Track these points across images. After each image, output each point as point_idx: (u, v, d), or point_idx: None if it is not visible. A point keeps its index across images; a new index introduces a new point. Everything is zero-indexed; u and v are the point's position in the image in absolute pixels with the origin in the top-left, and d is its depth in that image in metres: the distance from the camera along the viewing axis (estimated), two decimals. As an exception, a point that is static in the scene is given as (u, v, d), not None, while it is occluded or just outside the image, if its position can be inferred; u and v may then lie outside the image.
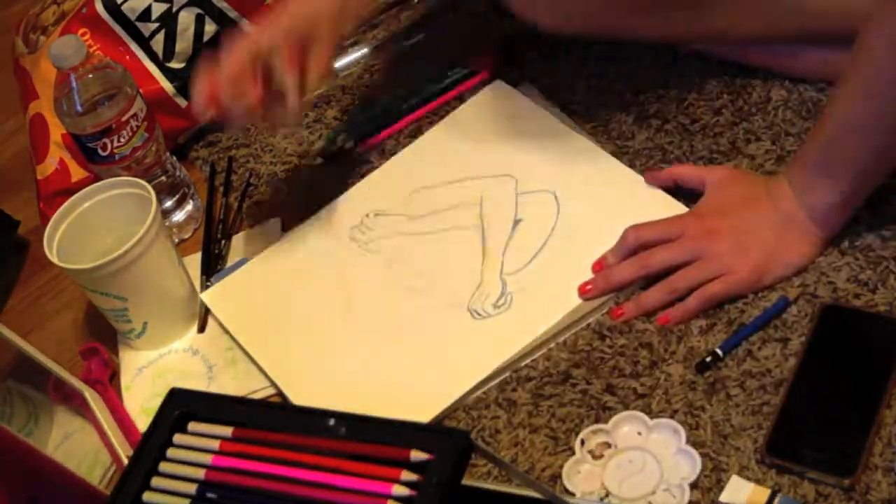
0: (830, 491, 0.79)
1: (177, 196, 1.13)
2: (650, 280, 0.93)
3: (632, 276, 0.93)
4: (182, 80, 1.19)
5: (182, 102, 1.19)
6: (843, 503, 0.79)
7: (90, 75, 1.06)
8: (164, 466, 0.76)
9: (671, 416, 0.86)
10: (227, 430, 0.76)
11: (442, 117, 1.15)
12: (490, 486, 0.83)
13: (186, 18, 1.19)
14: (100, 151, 1.07)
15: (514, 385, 0.92)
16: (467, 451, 0.71)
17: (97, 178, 1.09)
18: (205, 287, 1.06)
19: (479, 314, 0.96)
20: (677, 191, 0.99)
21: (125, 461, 0.94)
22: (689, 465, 0.83)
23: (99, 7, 1.19)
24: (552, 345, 0.93)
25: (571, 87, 1.13)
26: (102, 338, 1.07)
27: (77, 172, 1.16)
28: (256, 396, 0.97)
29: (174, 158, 1.15)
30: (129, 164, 1.08)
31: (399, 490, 0.69)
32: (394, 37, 1.27)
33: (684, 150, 1.04)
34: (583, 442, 0.86)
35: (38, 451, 0.85)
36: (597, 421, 0.88)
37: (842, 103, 0.87)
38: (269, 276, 1.05)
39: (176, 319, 1.04)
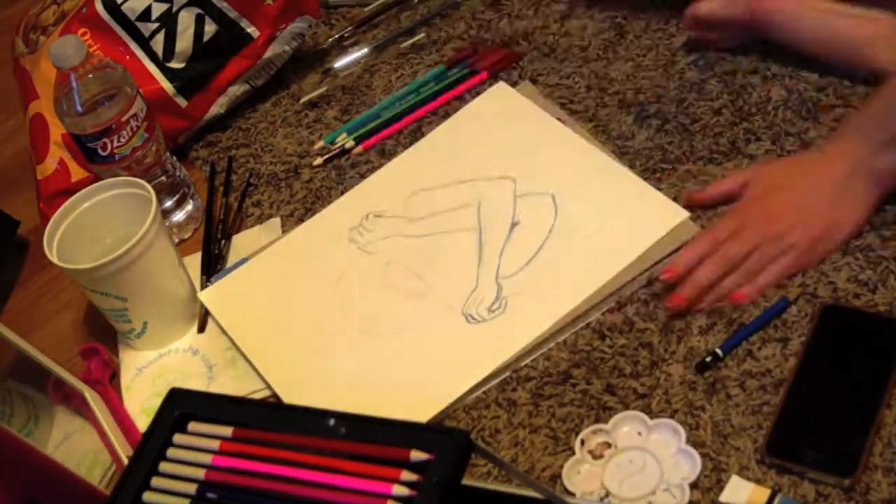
0: (830, 491, 0.79)
1: (177, 196, 1.13)
2: None
3: (716, 275, 0.93)
4: (182, 80, 1.19)
5: (182, 102, 1.19)
6: (843, 503, 0.79)
7: (90, 75, 1.06)
8: (164, 466, 0.76)
9: (671, 416, 0.86)
10: (227, 430, 0.76)
11: (442, 117, 1.15)
12: (490, 486, 0.83)
13: (186, 18, 1.19)
14: (100, 151, 1.07)
15: (514, 385, 0.92)
16: (467, 451, 0.71)
17: (97, 178, 1.09)
18: (205, 287, 1.06)
19: (473, 318, 0.96)
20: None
21: (125, 461, 0.94)
22: (689, 465, 0.83)
23: (99, 7, 1.19)
24: (552, 345, 0.94)
25: (571, 87, 1.13)
26: (102, 338, 1.07)
27: (77, 172, 1.16)
28: (256, 396, 0.97)
29: (174, 158, 1.15)
30: (129, 164, 1.08)
31: (399, 490, 0.69)
32: (394, 37, 1.27)
33: (684, 150, 1.04)
34: (583, 442, 0.86)
35: (38, 451, 0.85)
36: (597, 421, 0.88)
37: None
38: (267, 276, 1.05)
39: (176, 319, 1.04)
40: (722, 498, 0.80)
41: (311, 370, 0.97)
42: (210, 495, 0.74)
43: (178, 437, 0.77)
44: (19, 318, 1.13)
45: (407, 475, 0.70)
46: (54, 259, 0.98)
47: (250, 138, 1.22)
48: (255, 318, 1.02)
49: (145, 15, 1.19)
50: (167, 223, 1.12)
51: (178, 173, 1.14)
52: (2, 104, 1.37)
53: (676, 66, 1.12)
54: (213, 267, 1.09)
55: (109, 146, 1.07)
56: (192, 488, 0.74)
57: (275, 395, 0.96)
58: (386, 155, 1.14)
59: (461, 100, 1.16)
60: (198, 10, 1.19)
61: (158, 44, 1.19)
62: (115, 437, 0.97)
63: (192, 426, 0.78)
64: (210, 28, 1.19)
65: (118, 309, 1.00)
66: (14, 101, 1.29)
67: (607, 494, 0.83)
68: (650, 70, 1.12)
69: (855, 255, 0.92)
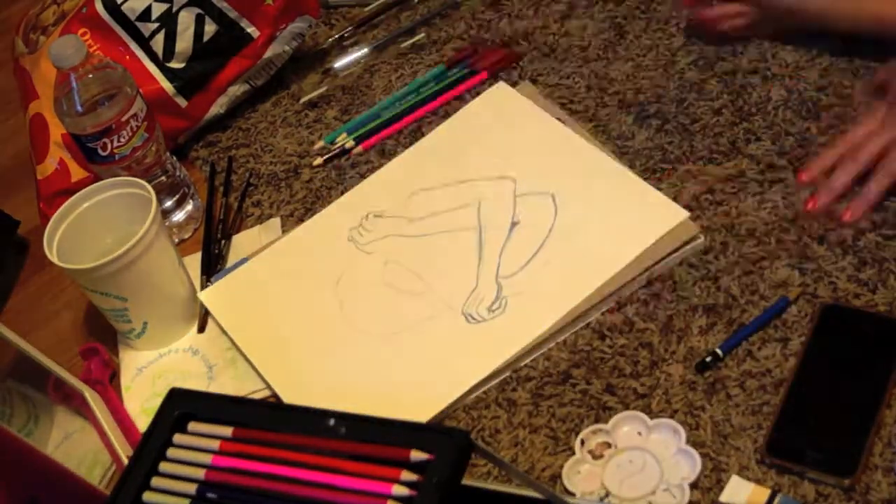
0: (830, 491, 0.79)
1: (177, 196, 1.13)
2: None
3: (850, 179, 0.93)
4: (182, 80, 1.19)
5: (182, 102, 1.19)
6: (843, 503, 0.79)
7: (90, 75, 1.06)
8: (164, 466, 0.76)
9: (671, 416, 0.86)
10: (227, 430, 0.76)
11: (442, 117, 1.15)
12: (490, 486, 0.83)
13: (186, 18, 1.19)
14: (100, 151, 1.07)
15: (514, 385, 0.92)
16: (467, 451, 0.71)
17: (97, 178, 1.09)
18: (205, 287, 1.06)
19: (473, 318, 0.96)
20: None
21: (125, 461, 0.94)
22: (689, 465, 0.83)
23: (99, 7, 1.19)
24: (552, 345, 0.94)
25: (571, 87, 1.13)
26: (102, 338, 1.07)
27: (77, 172, 1.16)
28: (256, 396, 0.97)
29: (174, 158, 1.15)
30: (129, 164, 1.08)
31: (399, 490, 0.69)
32: (394, 37, 1.27)
33: (684, 150, 1.04)
34: (583, 442, 0.86)
35: (38, 451, 0.85)
36: (597, 421, 0.88)
37: None
38: (267, 276, 1.05)
39: (176, 319, 1.04)
40: (722, 498, 0.80)
41: (311, 370, 0.97)
42: (210, 495, 0.74)
43: (178, 437, 0.77)
44: (19, 318, 1.13)
45: (407, 475, 0.70)
46: (54, 259, 0.98)
47: (250, 138, 1.22)
48: (255, 318, 1.02)
49: (145, 15, 1.19)
50: (167, 223, 1.12)
51: (178, 173, 1.14)
52: (2, 104, 1.37)
53: (676, 66, 1.12)
54: (213, 267, 1.09)
55: (109, 146, 1.07)
56: (192, 488, 0.74)
57: (275, 395, 0.96)
58: (386, 155, 1.14)
59: (461, 100, 1.16)
60: (198, 10, 1.19)
61: (158, 44, 1.19)
62: (115, 437, 0.97)
63: (192, 426, 0.78)
64: (210, 28, 1.19)
65: (118, 309, 1.00)
66: (14, 101, 1.29)
67: (607, 494, 0.83)
68: (650, 70, 1.12)
69: (855, 255, 0.92)
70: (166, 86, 1.18)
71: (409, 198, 1.08)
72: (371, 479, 0.70)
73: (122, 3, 1.19)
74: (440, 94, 1.18)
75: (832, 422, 0.82)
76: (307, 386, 0.95)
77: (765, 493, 0.79)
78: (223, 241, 1.11)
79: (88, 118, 1.06)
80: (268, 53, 1.21)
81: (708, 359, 0.88)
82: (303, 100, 1.23)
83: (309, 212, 1.11)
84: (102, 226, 1.03)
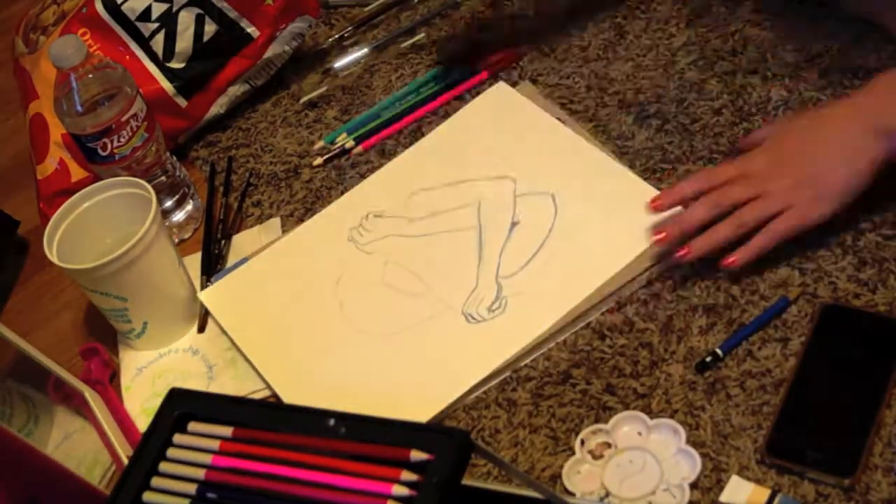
0: (830, 491, 0.79)
1: (177, 196, 1.13)
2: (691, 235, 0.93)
3: (705, 216, 0.92)
4: (182, 80, 1.19)
5: (182, 102, 1.19)
6: (843, 503, 0.79)
7: (90, 75, 1.06)
8: (164, 466, 0.76)
9: (671, 416, 0.86)
10: (227, 430, 0.76)
11: (442, 117, 1.15)
12: (490, 486, 0.83)
13: (186, 18, 1.19)
14: (100, 151, 1.07)
15: (514, 385, 0.92)
16: (467, 451, 0.71)
17: (97, 178, 1.09)
18: (205, 287, 1.06)
19: (473, 318, 0.96)
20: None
21: (125, 461, 0.94)
22: (689, 465, 0.83)
23: (99, 7, 1.19)
24: (552, 345, 0.93)
25: (571, 87, 1.13)
26: (102, 338, 1.07)
27: (77, 172, 1.16)
28: (256, 396, 0.97)
29: (174, 158, 1.15)
30: (129, 164, 1.08)
31: (399, 490, 0.69)
32: (394, 37, 1.27)
33: (684, 150, 1.04)
34: (583, 442, 0.86)
35: (38, 451, 0.85)
36: (597, 421, 0.88)
37: None
38: (267, 276, 1.05)
39: (176, 319, 1.04)
40: (722, 498, 0.80)
41: (311, 370, 0.97)
42: (210, 495, 0.74)
43: (178, 437, 0.77)
44: (19, 318, 1.13)
45: (407, 475, 0.70)
46: (54, 259, 0.98)
47: (250, 138, 1.22)
48: (255, 318, 1.02)
49: (145, 15, 1.19)
50: (167, 223, 1.12)
51: (178, 173, 1.14)
52: (2, 104, 1.37)
53: (676, 66, 1.12)
54: (213, 267, 1.09)
55: (109, 146, 1.07)
56: (192, 488, 0.74)
57: (275, 395, 0.96)
58: (386, 155, 1.14)
59: (461, 100, 1.16)
60: (198, 10, 1.19)
61: (158, 44, 1.19)
62: (115, 437, 0.97)
63: (192, 426, 0.77)
64: (210, 28, 1.19)
65: (118, 309, 1.00)
66: (14, 101, 1.29)
67: (607, 494, 0.83)
68: (650, 70, 1.12)
69: (855, 255, 0.92)
70: (166, 86, 1.18)
71: (409, 198, 1.08)
72: (371, 479, 0.70)
73: (122, 3, 1.19)
74: (440, 94, 1.18)
75: (832, 422, 0.82)
76: (307, 386, 0.95)
77: (765, 493, 0.79)
78: (223, 241, 1.11)
79: (88, 118, 1.06)
80: (268, 53, 1.21)
81: (708, 359, 0.88)
82: (303, 100, 1.23)
83: (309, 212, 1.11)
84: (102, 226, 1.03)
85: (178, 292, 1.04)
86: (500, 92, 1.13)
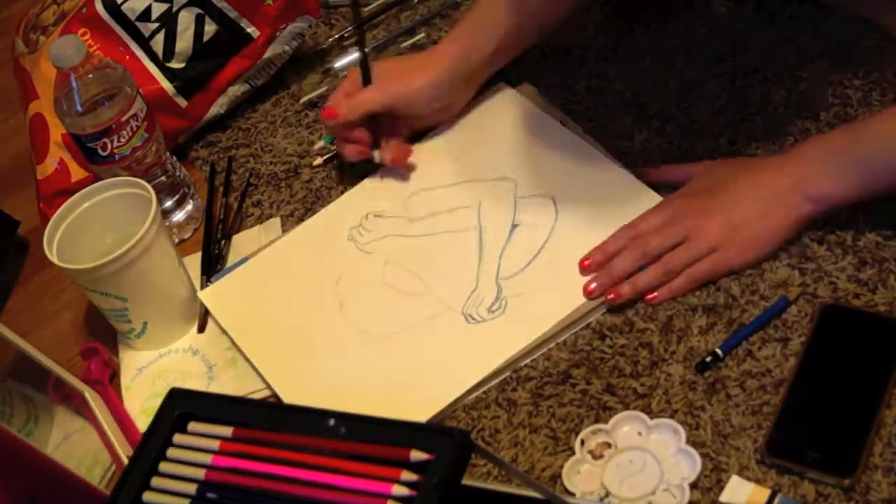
0: (830, 491, 0.79)
1: (177, 196, 1.13)
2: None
3: (632, 266, 0.94)
4: (182, 80, 1.19)
5: (182, 102, 1.19)
6: (843, 503, 0.79)
7: (90, 75, 1.06)
8: (164, 466, 0.76)
9: (671, 416, 0.86)
10: (227, 430, 0.76)
11: (442, 117, 1.15)
12: (490, 486, 0.83)
13: (186, 18, 1.19)
14: (100, 151, 1.07)
15: (514, 385, 0.92)
16: (467, 451, 0.71)
17: (97, 178, 1.09)
18: (205, 287, 1.06)
19: (473, 318, 0.96)
20: (668, 188, 0.99)
21: (125, 461, 0.94)
22: (689, 465, 0.83)
23: (99, 7, 1.19)
24: (552, 345, 0.93)
25: (571, 87, 1.13)
26: (102, 338, 1.07)
27: (77, 172, 1.16)
28: (256, 396, 0.97)
29: (174, 158, 1.15)
30: (129, 164, 1.08)
31: (399, 490, 0.69)
32: (394, 37, 1.27)
33: (684, 149, 1.04)
34: (583, 442, 0.86)
35: (38, 451, 0.85)
36: (597, 421, 0.88)
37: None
38: (267, 276, 1.05)
39: (176, 319, 1.04)
40: (722, 498, 0.80)
41: (311, 370, 0.97)
42: (210, 495, 0.74)
43: (178, 437, 0.77)
44: (19, 318, 1.13)
45: (407, 475, 0.70)
46: (54, 259, 0.98)
47: (250, 138, 1.22)
48: (255, 318, 1.02)
49: (145, 15, 1.19)
50: (167, 223, 1.12)
51: (178, 173, 1.14)
52: (2, 104, 1.37)
53: (676, 65, 1.12)
54: (213, 267, 1.09)
55: (109, 146, 1.06)
56: (192, 488, 0.74)
57: (275, 395, 0.96)
58: (386, 155, 1.14)
59: (461, 100, 1.16)
60: (198, 10, 1.19)
61: (158, 44, 1.19)
62: (115, 437, 0.97)
63: (192, 426, 0.78)
64: (210, 28, 1.19)
65: (118, 309, 1.00)
66: (14, 101, 1.29)
67: (607, 494, 0.83)
68: (650, 70, 1.12)
69: (855, 255, 0.92)
70: (166, 86, 1.18)
71: (410, 198, 1.08)
72: (371, 479, 0.70)
73: (122, 3, 1.19)
74: (440, 94, 1.18)
75: (832, 422, 0.82)
76: (307, 386, 0.95)
77: (765, 493, 0.79)
78: (223, 241, 1.11)
79: (88, 118, 1.06)
80: (268, 53, 1.21)
81: (708, 359, 0.88)
82: (303, 100, 1.23)
83: (309, 212, 1.11)
84: (102, 226, 1.03)
85: (178, 292, 1.04)
86: (500, 93, 1.13)
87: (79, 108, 1.06)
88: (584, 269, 0.95)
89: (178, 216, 1.14)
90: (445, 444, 0.70)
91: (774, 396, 0.85)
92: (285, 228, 1.11)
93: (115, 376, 1.04)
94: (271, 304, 1.03)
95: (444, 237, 1.03)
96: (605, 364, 0.91)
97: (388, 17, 1.30)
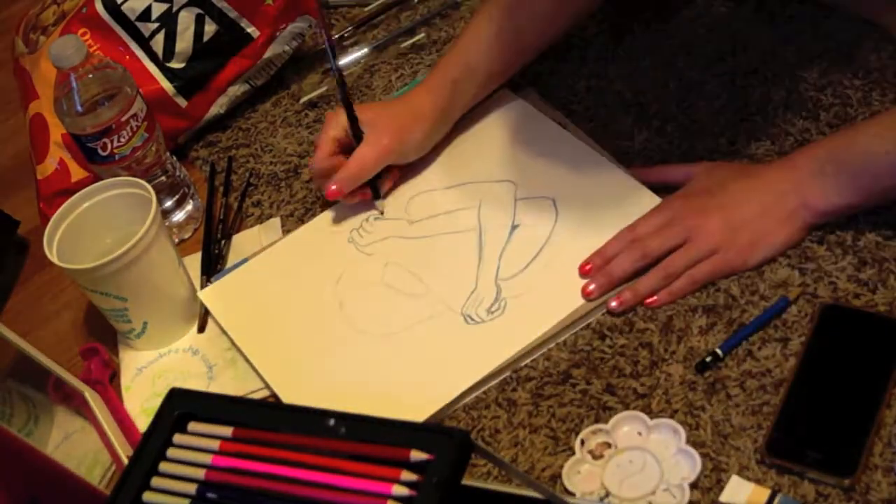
0: (830, 491, 0.79)
1: (177, 196, 1.13)
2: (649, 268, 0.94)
3: (631, 268, 0.94)
4: (182, 80, 1.19)
5: (182, 102, 1.19)
6: (843, 503, 0.79)
7: (90, 75, 1.06)
8: (164, 466, 0.76)
9: (671, 416, 0.86)
10: (227, 430, 0.76)
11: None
12: (490, 486, 0.83)
13: (186, 18, 1.19)
14: (100, 151, 1.07)
15: (514, 385, 0.92)
16: (467, 451, 0.71)
17: (97, 178, 1.09)
18: (205, 287, 1.06)
19: (472, 319, 0.96)
20: (666, 189, 0.99)
21: (125, 461, 0.94)
22: (689, 465, 0.83)
23: (99, 7, 1.19)
24: (552, 345, 0.93)
25: (571, 88, 1.13)
26: (102, 338, 1.07)
27: (77, 172, 1.16)
28: (256, 396, 0.97)
29: (174, 158, 1.15)
30: (129, 164, 1.08)
31: (399, 490, 0.69)
32: (394, 37, 1.27)
33: (684, 149, 1.04)
34: (583, 442, 0.86)
35: (38, 451, 0.85)
36: (597, 421, 0.88)
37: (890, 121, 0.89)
38: (267, 276, 1.05)
39: (176, 319, 1.04)
40: (722, 498, 0.80)
41: (311, 370, 0.97)
42: (210, 495, 0.74)
43: (178, 437, 0.77)
44: (19, 318, 1.13)
45: (407, 475, 0.70)
46: (54, 259, 0.98)
47: (250, 138, 1.22)
48: (255, 318, 1.02)
49: (145, 15, 1.19)
50: (167, 223, 1.12)
51: (178, 173, 1.14)
52: (2, 104, 1.37)
53: (676, 65, 1.12)
54: (213, 267, 1.09)
55: (109, 146, 1.06)
56: (192, 488, 0.74)
57: (274, 395, 0.96)
58: (386, 155, 1.14)
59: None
60: (198, 10, 1.19)
61: (158, 44, 1.19)
62: (115, 437, 0.97)
63: (192, 426, 0.77)
64: (210, 28, 1.19)
65: (118, 309, 1.00)
66: (14, 101, 1.29)
67: (607, 494, 0.83)
68: (650, 70, 1.12)
69: (855, 255, 0.92)
70: (166, 86, 1.18)
71: (410, 200, 1.08)
72: (371, 479, 0.70)
73: (122, 3, 1.19)
74: (440, 95, 1.18)
75: (832, 422, 0.82)
76: (307, 386, 0.95)
77: (765, 493, 0.79)
78: (223, 241, 1.11)
79: (88, 118, 1.06)
80: (268, 53, 1.21)
81: (708, 359, 0.88)
82: (303, 100, 1.23)
83: (309, 212, 1.11)
84: (102, 226, 1.03)
85: (178, 292, 1.04)
86: (500, 95, 1.13)
87: (79, 108, 1.06)
88: (584, 273, 0.95)
89: (178, 216, 1.14)
90: (445, 444, 0.70)
91: (774, 396, 0.85)
92: (285, 228, 1.11)
93: (115, 376, 1.04)
94: (271, 304, 1.03)
95: (444, 238, 1.04)
96: (605, 364, 0.91)
97: (388, 17, 1.30)
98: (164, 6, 1.19)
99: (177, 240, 1.13)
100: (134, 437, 0.97)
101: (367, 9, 1.31)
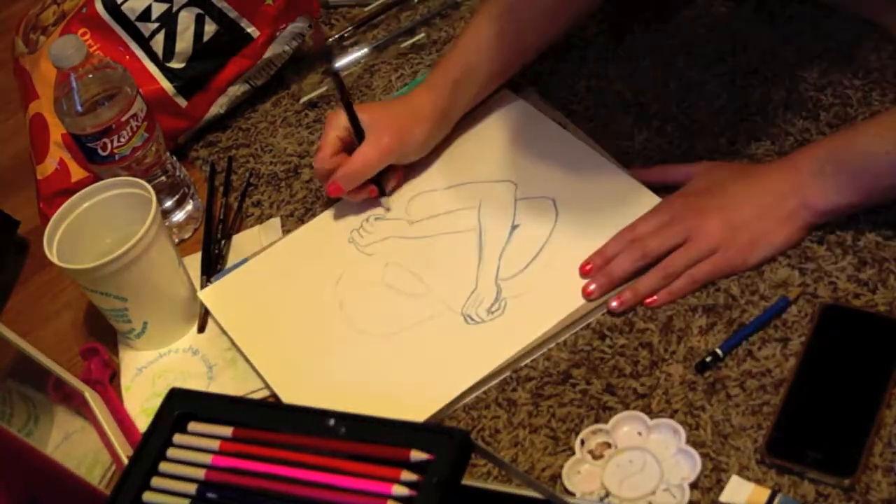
0: (830, 491, 0.79)
1: (177, 196, 1.13)
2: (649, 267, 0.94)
3: (631, 267, 0.94)
4: (182, 80, 1.19)
5: (182, 102, 1.19)
6: (843, 503, 0.79)
7: (90, 75, 1.06)
8: (164, 466, 0.76)
9: (671, 416, 0.86)
10: (227, 430, 0.76)
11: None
12: (490, 486, 0.83)
13: (186, 18, 1.19)
14: (100, 151, 1.07)
15: (514, 385, 0.92)
16: (467, 451, 0.71)
17: (97, 178, 1.09)
18: (205, 287, 1.06)
19: (472, 319, 0.96)
20: (666, 189, 0.99)
21: (125, 461, 0.94)
22: (689, 465, 0.83)
23: (99, 7, 1.19)
24: (552, 345, 0.93)
25: (571, 88, 1.13)
26: (102, 338, 1.07)
27: (77, 172, 1.16)
28: (256, 396, 0.97)
29: (174, 158, 1.15)
30: (129, 164, 1.08)
31: (399, 490, 0.69)
32: (394, 37, 1.27)
33: (684, 149, 1.04)
34: (583, 442, 0.86)
35: (38, 451, 0.85)
36: (597, 421, 0.88)
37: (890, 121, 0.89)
38: (267, 276, 1.05)
39: (176, 319, 1.04)
40: (722, 498, 0.80)
41: (311, 370, 0.97)
42: (210, 495, 0.74)
43: (178, 437, 0.77)
44: (19, 318, 1.13)
45: (407, 475, 0.70)
46: (54, 259, 0.98)
47: (250, 138, 1.22)
48: (255, 318, 1.02)
49: (145, 15, 1.19)
50: (167, 223, 1.12)
51: (178, 173, 1.14)
52: (2, 104, 1.37)
53: (676, 65, 1.12)
54: (213, 267, 1.09)
55: (109, 146, 1.06)
56: (192, 488, 0.74)
57: (274, 395, 0.96)
58: (386, 155, 1.14)
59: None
60: (198, 10, 1.19)
61: (158, 44, 1.19)
62: (115, 437, 0.97)
63: (192, 426, 0.77)
64: (210, 28, 1.19)
65: (118, 309, 1.00)
66: (14, 101, 1.29)
67: (607, 494, 0.83)
68: (650, 70, 1.12)
69: (855, 255, 0.92)
70: (166, 86, 1.18)
71: (410, 200, 1.08)
72: (371, 479, 0.70)
73: (122, 3, 1.19)
74: (440, 95, 1.18)
75: (832, 422, 0.82)
76: (307, 386, 0.95)
77: (765, 493, 0.79)
78: (223, 241, 1.11)
79: (88, 118, 1.06)
80: (268, 53, 1.21)
81: (708, 359, 0.88)
82: (303, 100, 1.23)
83: (309, 212, 1.11)
84: (102, 226, 1.03)
85: (178, 292, 1.04)
86: (501, 95, 1.13)
87: (79, 108, 1.06)
88: (584, 273, 0.95)
89: (178, 216, 1.14)
90: (445, 444, 0.70)
91: (774, 396, 0.85)
92: (285, 228, 1.11)
93: (115, 376, 1.04)
94: (271, 304, 1.03)
95: (444, 238, 1.04)
96: (605, 364, 0.91)
97: (388, 17, 1.30)
98: (164, 6, 1.19)
99: (177, 240, 1.13)
100: (134, 437, 0.97)
101: (367, 9, 1.31)
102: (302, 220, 1.10)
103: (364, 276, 1.03)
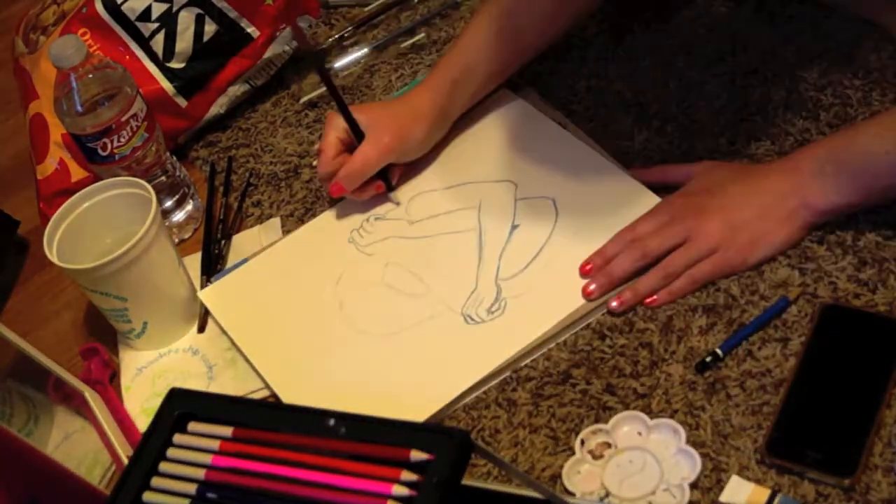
0: (830, 491, 0.79)
1: (177, 196, 1.13)
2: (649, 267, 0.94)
3: (631, 267, 0.94)
4: (182, 80, 1.19)
5: (182, 102, 1.19)
6: (843, 503, 0.79)
7: (90, 75, 1.06)
8: (164, 466, 0.76)
9: (671, 416, 0.86)
10: (227, 430, 0.76)
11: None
12: (490, 486, 0.83)
13: (186, 18, 1.19)
14: (100, 151, 1.07)
15: (514, 385, 0.92)
16: (467, 451, 0.71)
17: (97, 178, 1.09)
18: (205, 287, 1.06)
19: (472, 319, 0.96)
20: (666, 189, 0.99)
21: (125, 461, 0.94)
22: (689, 465, 0.83)
23: (99, 7, 1.19)
24: (552, 345, 0.93)
25: (571, 88, 1.13)
26: (102, 338, 1.07)
27: (77, 172, 1.16)
28: (256, 396, 0.97)
29: (174, 158, 1.15)
30: (129, 164, 1.08)
31: (399, 490, 0.69)
32: (394, 37, 1.27)
33: (684, 149, 1.04)
34: (583, 442, 0.86)
35: (38, 451, 0.85)
36: (597, 421, 0.88)
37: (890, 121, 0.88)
38: (267, 276, 1.05)
39: (176, 319, 1.04)
40: (722, 498, 0.80)
41: (311, 370, 0.97)
42: (210, 495, 0.74)
43: (178, 437, 0.77)
44: (19, 318, 1.13)
45: (407, 475, 0.70)
46: (54, 259, 0.98)
47: (250, 138, 1.22)
48: (255, 318, 1.02)
49: (145, 15, 1.19)
50: (167, 223, 1.12)
51: (178, 173, 1.14)
52: (2, 104, 1.37)
53: (676, 65, 1.12)
54: (213, 267, 1.09)
55: (109, 146, 1.07)
56: (192, 488, 0.74)
57: (274, 395, 0.96)
58: (386, 155, 1.14)
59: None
60: (198, 10, 1.19)
61: (158, 44, 1.19)
62: (115, 437, 0.97)
63: (192, 426, 0.77)
64: (210, 28, 1.19)
65: (118, 309, 1.00)
66: (14, 101, 1.29)
67: (607, 494, 0.83)
68: (650, 70, 1.12)
69: (855, 255, 0.92)
70: (166, 86, 1.18)
71: (410, 200, 1.08)
72: (371, 479, 0.70)
73: (122, 3, 1.19)
74: (440, 95, 1.17)
75: (832, 422, 0.82)
76: (307, 386, 0.95)
77: (765, 493, 0.79)
78: (223, 241, 1.11)
79: (88, 118, 1.06)
80: (268, 53, 1.21)
81: (708, 359, 0.88)
82: (303, 100, 1.23)
83: (309, 212, 1.11)
84: (102, 226, 1.03)
85: (178, 292, 1.04)
86: (500, 95, 1.13)
87: (79, 108, 1.06)
88: (584, 273, 0.95)
89: (178, 216, 1.14)
90: (445, 444, 0.70)
91: (774, 396, 0.85)
92: (285, 228, 1.11)
93: (115, 376, 1.04)
94: (271, 304, 1.03)
95: (444, 238, 1.04)
96: (605, 364, 0.91)
97: (388, 17, 1.30)
98: (164, 6, 1.19)
99: (177, 240, 1.13)
100: (134, 437, 0.97)
101: (367, 9, 1.31)
102: (302, 220, 1.10)
103: (364, 276, 1.03)
